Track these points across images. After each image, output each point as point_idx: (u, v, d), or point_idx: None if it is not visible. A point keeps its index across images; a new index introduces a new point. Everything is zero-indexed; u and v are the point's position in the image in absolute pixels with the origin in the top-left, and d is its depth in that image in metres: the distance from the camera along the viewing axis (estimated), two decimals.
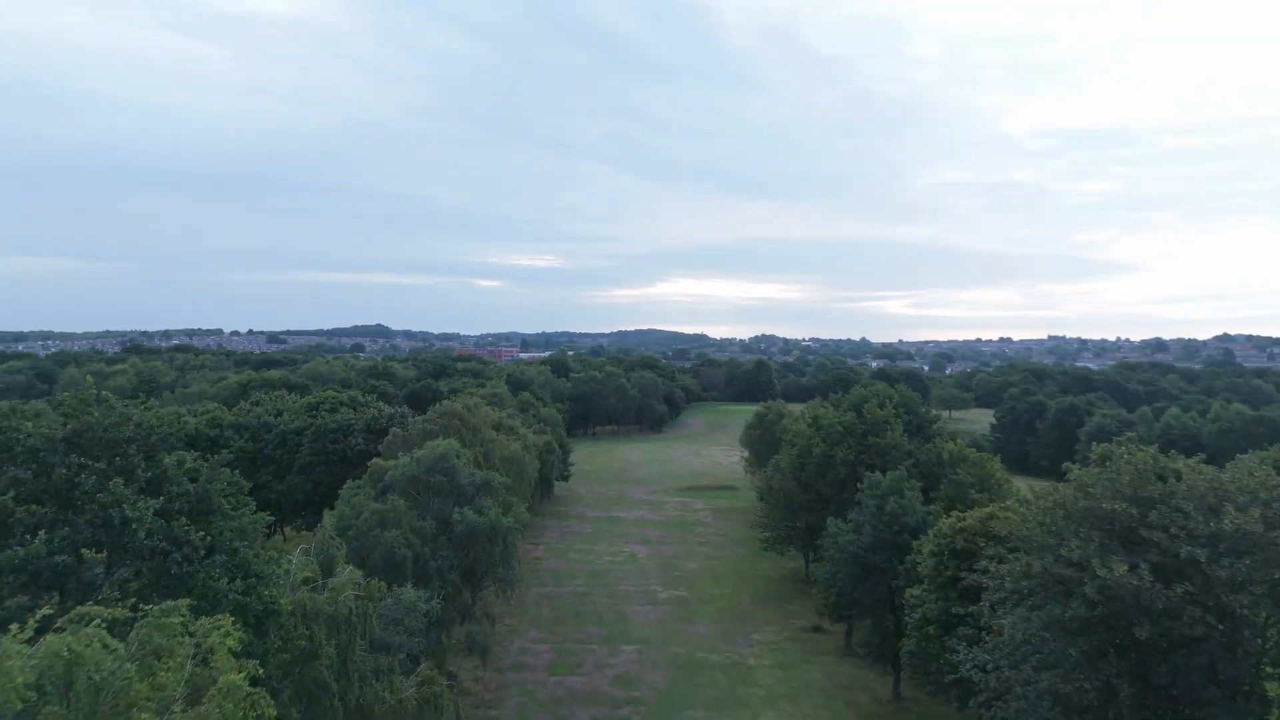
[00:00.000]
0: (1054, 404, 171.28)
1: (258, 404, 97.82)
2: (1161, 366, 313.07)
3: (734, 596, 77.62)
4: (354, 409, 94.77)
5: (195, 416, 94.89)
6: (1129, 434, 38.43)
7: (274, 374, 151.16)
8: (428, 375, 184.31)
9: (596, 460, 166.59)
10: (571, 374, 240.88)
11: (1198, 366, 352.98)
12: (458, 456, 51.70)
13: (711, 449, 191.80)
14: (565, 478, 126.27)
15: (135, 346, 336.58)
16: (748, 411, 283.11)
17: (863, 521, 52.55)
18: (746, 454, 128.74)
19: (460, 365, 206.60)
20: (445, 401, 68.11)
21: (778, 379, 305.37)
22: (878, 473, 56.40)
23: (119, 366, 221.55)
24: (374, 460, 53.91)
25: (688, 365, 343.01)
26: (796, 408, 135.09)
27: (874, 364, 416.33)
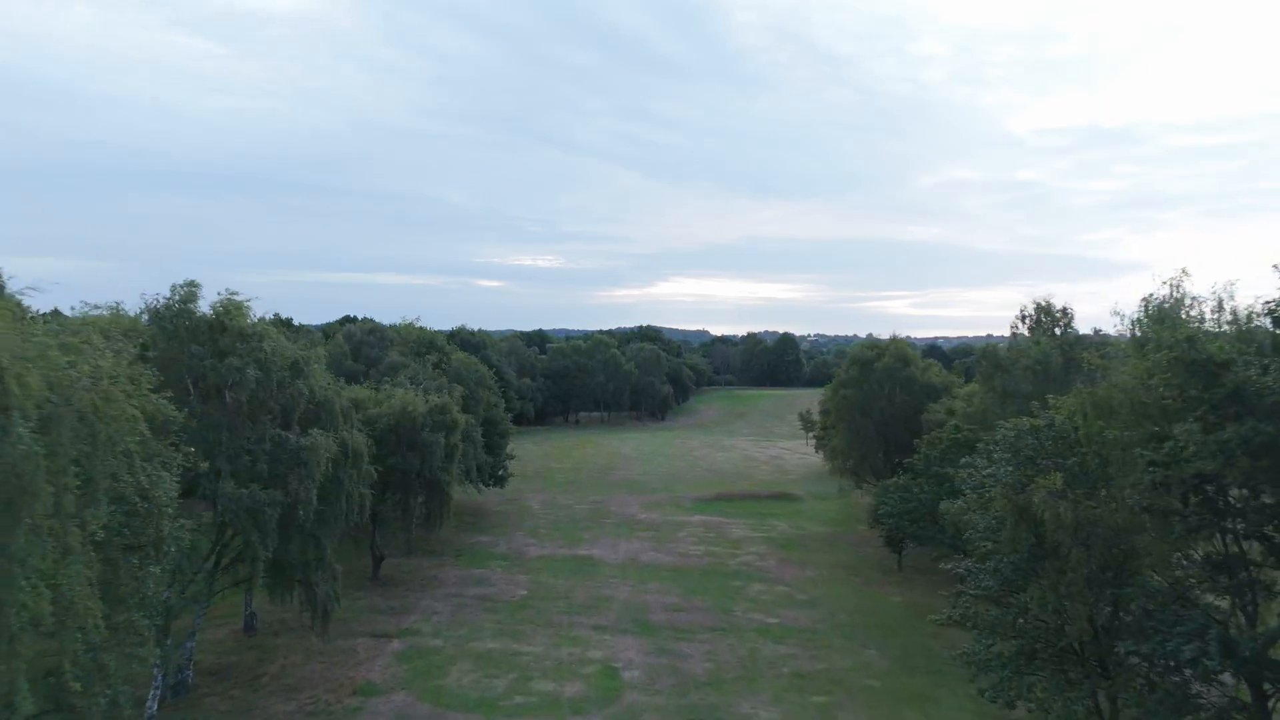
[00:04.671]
0: None
1: None
2: None
3: None
4: None
5: None
6: None
7: None
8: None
9: (573, 454, 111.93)
10: (550, 345, 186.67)
11: None
12: None
13: (736, 440, 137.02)
14: (499, 480, 71.59)
15: None
16: (771, 398, 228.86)
17: None
18: (816, 432, 73.80)
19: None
20: None
21: (805, 360, 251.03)
22: None
23: None
24: None
25: (695, 346, 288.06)
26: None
27: None
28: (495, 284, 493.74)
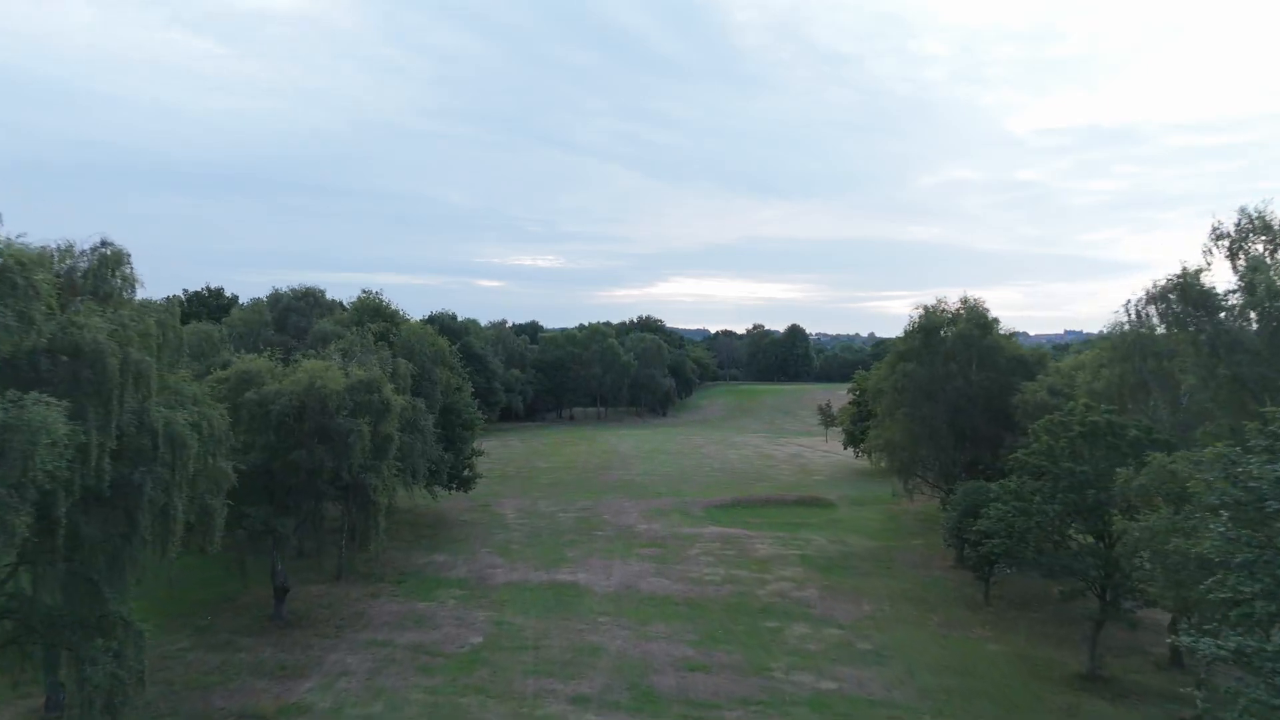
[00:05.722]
0: None
1: None
2: None
3: None
4: None
5: None
6: None
7: None
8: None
9: (562, 451, 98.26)
10: (542, 335, 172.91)
11: None
12: None
13: (747, 437, 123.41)
14: (463, 483, 57.83)
15: None
16: (780, 393, 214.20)
17: None
18: (845, 425, 60.28)
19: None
20: None
21: (814, 355, 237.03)
22: None
23: None
24: None
25: (699, 341, 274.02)
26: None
27: None
28: (495, 284, 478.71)
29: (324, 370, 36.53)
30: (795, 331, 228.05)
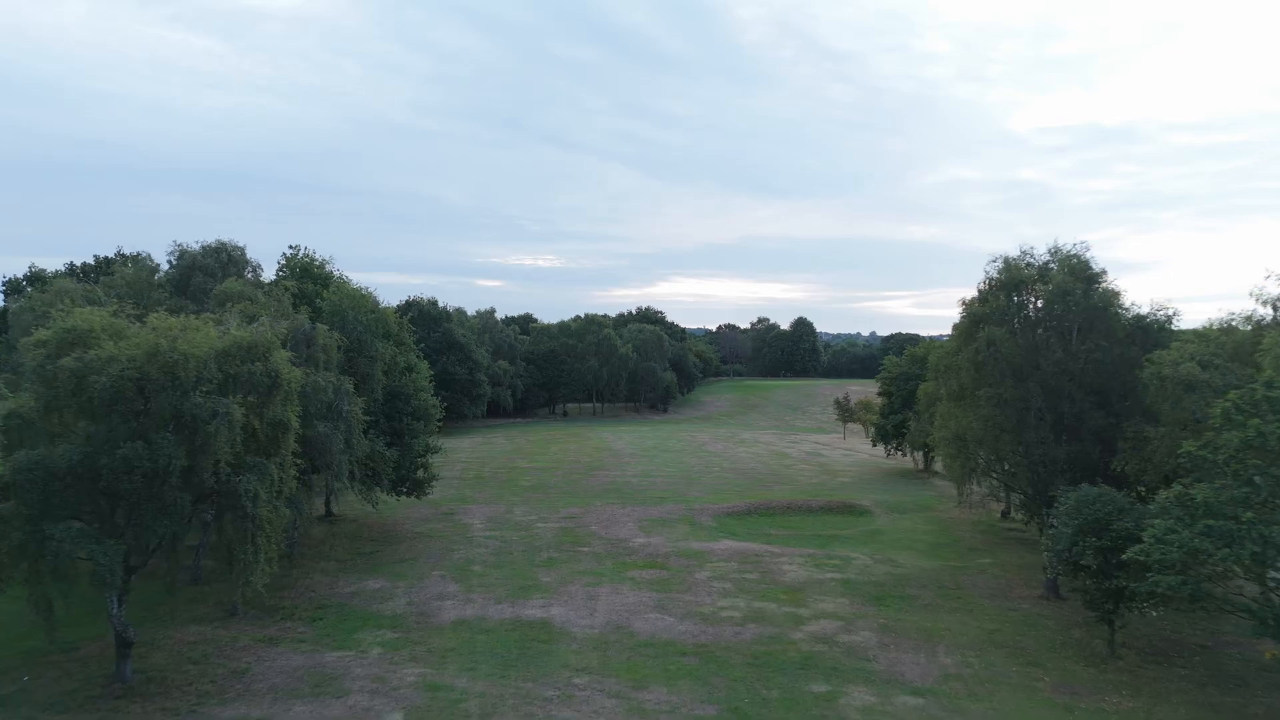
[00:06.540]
0: None
1: None
2: None
3: None
4: None
5: None
6: None
7: None
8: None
9: (549, 449, 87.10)
10: (533, 326, 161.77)
11: None
12: None
13: (756, 434, 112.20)
14: (414, 485, 46.72)
15: None
16: (787, 388, 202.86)
17: None
18: (874, 420, 49.39)
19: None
20: None
21: (822, 349, 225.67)
22: None
23: None
24: None
25: (700, 336, 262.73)
26: None
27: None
28: (495, 284, 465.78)
29: (178, 329, 25.54)
30: (802, 325, 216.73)
